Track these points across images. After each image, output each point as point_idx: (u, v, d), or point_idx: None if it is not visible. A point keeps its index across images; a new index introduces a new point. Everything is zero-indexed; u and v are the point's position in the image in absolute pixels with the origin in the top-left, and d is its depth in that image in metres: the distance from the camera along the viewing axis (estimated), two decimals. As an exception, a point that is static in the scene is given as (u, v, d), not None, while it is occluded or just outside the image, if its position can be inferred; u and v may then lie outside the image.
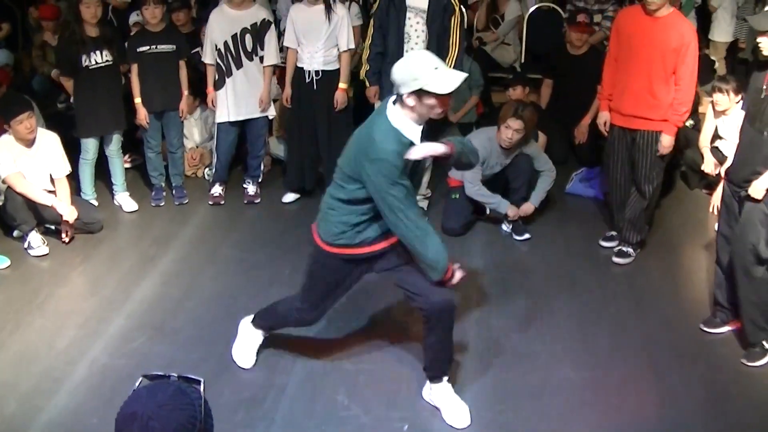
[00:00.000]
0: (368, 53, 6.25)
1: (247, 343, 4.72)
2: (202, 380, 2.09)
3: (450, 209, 6.47)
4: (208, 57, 6.60)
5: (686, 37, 5.38)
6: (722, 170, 5.54)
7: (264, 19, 6.54)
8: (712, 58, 9.38)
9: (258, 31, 6.52)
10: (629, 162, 5.82)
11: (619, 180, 5.94)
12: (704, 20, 9.86)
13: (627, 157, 5.81)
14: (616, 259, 5.94)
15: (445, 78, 3.71)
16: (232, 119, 6.71)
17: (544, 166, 6.39)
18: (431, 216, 6.59)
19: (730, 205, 4.79)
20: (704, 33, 9.70)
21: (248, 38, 6.51)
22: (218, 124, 6.81)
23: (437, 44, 5.98)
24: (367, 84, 6.31)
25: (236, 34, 6.49)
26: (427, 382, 4.37)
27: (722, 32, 9.81)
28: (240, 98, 6.65)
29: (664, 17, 5.41)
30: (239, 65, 6.56)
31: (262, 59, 6.61)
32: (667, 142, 5.59)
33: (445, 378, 4.32)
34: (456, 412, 4.27)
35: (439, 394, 4.32)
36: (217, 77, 6.62)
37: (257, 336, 4.72)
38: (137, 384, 2.04)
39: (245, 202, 6.95)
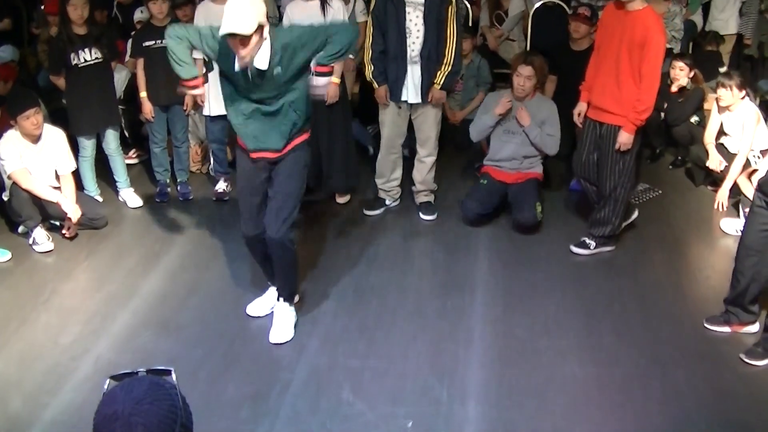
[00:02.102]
0: (371, 53, 6.18)
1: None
2: (172, 369, 2.08)
3: (475, 192, 6.49)
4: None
5: (649, 33, 5.28)
6: (754, 181, 5.44)
7: None
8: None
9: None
10: (595, 153, 5.79)
11: (585, 167, 5.91)
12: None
13: (594, 149, 5.79)
14: (573, 248, 5.98)
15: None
16: (213, 114, 6.73)
17: (552, 131, 6.39)
18: (438, 211, 6.60)
19: (760, 215, 4.73)
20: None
21: None
22: (205, 115, 6.84)
23: (436, 36, 5.99)
24: (376, 85, 6.21)
25: None
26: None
27: (719, 26, 9.72)
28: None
29: (635, 12, 5.33)
30: None
31: None
32: (624, 138, 5.51)
33: (288, 301, 5.00)
34: (281, 329, 4.93)
35: (280, 310, 5.00)
36: (204, 71, 6.58)
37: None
38: (105, 386, 2.02)
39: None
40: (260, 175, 4.74)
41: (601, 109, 5.63)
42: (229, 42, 4.25)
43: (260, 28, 4.23)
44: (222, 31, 4.16)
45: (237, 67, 4.42)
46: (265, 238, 4.77)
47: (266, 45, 4.36)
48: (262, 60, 4.36)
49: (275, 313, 5.02)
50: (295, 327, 5.01)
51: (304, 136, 4.74)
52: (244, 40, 4.18)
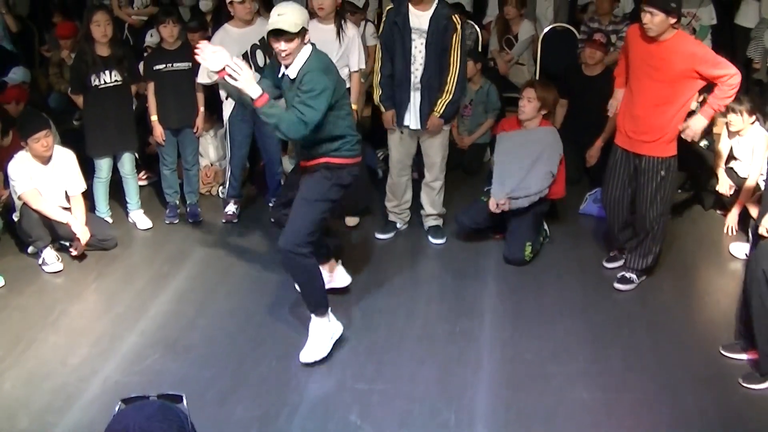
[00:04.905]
0: (379, 77, 6.19)
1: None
2: (183, 395, 2.09)
3: (471, 208, 6.52)
4: (208, 77, 6.51)
5: (693, 53, 5.20)
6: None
7: None
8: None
9: (268, 45, 6.51)
10: (630, 185, 5.67)
11: (617, 199, 5.78)
12: (727, 39, 9.77)
13: (628, 181, 5.67)
14: (617, 285, 5.83)
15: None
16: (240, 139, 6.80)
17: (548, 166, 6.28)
18: (447, 235, 6.61)
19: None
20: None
21: (259, 53, 6.52)
22: (230, 138, 6.85)
23: (438, 64, 5.99)
24: (383, 109, 6.24)
25: (247, 52, 6.49)
26: None
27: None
28: (247, 113, 6.65)
29: (667, 41, 5.23)
30: None
31: None
32: (697, 124, 5.35)
33: (317, 315, 4.88)
34: (311, 348, 4.86)
35: (312, 326, 4.91)
36: (226, 97, 6.62)
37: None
38: (116, 408, 2.03)
39: (272, 220, 6.93)
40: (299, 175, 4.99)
41: (641, 141, 5.49)
42: (272, 43, 4.56)
43: (303, 31, 4.53)
44: (268, 28, 4.49)
45: (280, 72, 4.73)
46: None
47: (302, 56, 4.61)
48: (293, 69, 4.63)
49: (309, 330, 4.96)
50: (333, 340, 4.98)
51: (339, 160, 4.80)
52: (288, 38, 4.47)
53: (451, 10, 6.06)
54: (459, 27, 5.99)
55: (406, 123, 6.19)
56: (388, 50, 6.12)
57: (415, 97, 6.11)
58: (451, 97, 6.06)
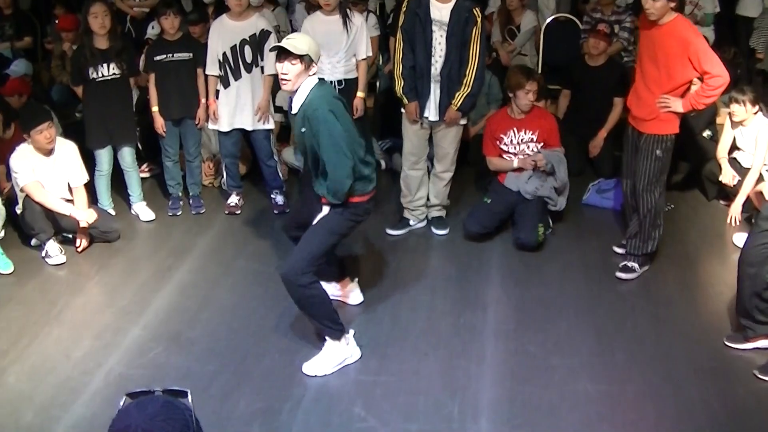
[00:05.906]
0: (401, 68, 6.11)
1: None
2: (188, 391, 2.08)
3: (477, 211, 6.51)
4: (213, 68, 6.60)
5: (687, 40, 5.24)
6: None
7: (263, 30, 6.50)
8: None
9: (258, 42, 6.50)
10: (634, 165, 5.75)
11: (627, 179, 5.87)
12: (726, 29, 9.75)
13: (633, 160, 5.74)
14: (619, 274, 5.83)
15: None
16: (224, 130, 6.75)
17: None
18: (450, 226, 6.60)
19: (763, 235, 4.76)
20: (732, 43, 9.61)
21: (247, 49, 6.51)
22: (217, 130, 6.87)
23: (458, 57, 5.96)
24: (405, 101, 6.14)
25: (235, 45, 6.49)
26: None
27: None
28: (235, 109, 6.67)
29: (666, 25, 5.30)
30: (237, 76, 6.57)
31: (262, 70, 6.61)
32: (673, 105, 5.42)
33: (331, 339, 4.76)
34: (316, 362, 4.77)
35: (326, 343, 4.79)
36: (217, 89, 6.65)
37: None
38: (121, 403, 2.02)
39: (275, 212, 6.95)
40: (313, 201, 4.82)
41: (639, 117, 5.60)
42: (276, 66, 4.49)
43: (309, 59, 4.42)
44: (272, 47, 4.54)
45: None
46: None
47: (305, 88, 4.50)
48: (296, 103, 4.54)
49: (324, 344, 4.86)
50: (340, 364, 4.82)
51: (353, 199, 4.65)
52: (291, 60, 4.38)
53: (472, 3, 6.02)
54: (479, 21, 5.97)
55: (426, 115, 6.17)
56: (409, 41, 6.07)
57: (435, 89, 6.08)
58: (469, 90, 6.03)
